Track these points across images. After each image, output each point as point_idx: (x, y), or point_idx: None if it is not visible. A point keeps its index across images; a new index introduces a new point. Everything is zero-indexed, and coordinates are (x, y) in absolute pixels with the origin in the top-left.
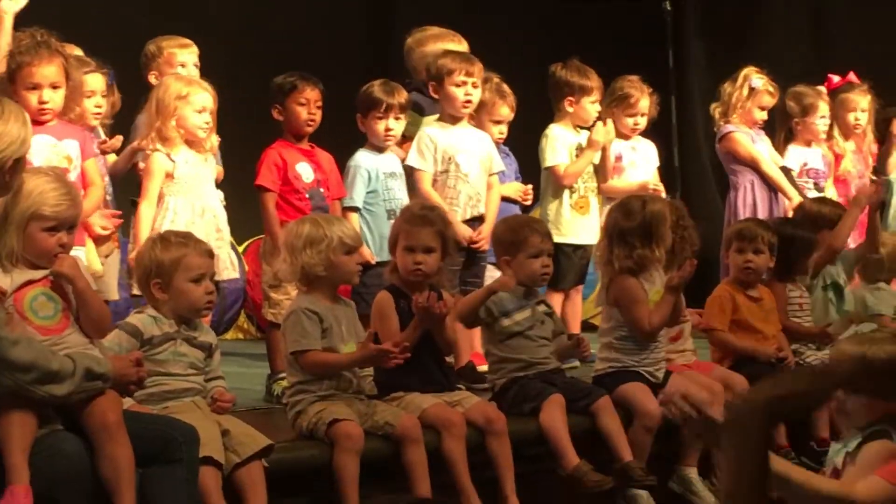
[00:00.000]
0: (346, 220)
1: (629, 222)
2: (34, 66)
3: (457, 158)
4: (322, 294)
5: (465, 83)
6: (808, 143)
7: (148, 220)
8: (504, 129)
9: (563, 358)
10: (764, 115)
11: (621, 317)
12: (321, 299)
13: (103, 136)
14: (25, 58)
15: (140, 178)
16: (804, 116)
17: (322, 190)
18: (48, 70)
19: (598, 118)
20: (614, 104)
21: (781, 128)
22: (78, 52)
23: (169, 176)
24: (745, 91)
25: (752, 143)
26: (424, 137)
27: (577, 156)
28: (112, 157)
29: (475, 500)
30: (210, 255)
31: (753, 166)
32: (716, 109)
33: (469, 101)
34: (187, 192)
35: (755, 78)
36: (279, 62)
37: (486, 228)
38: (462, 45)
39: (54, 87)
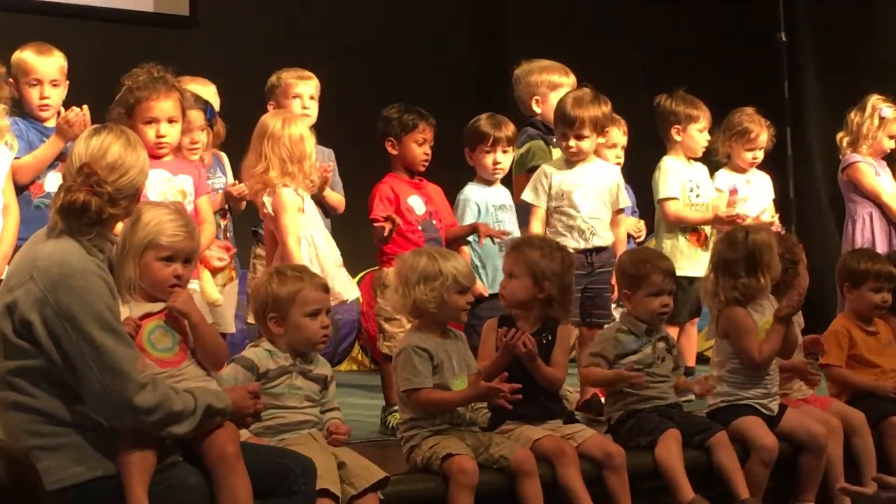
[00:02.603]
0: (461, 257)
1: (733, 253)
2: (152, 101)
3: (572, 194)
4: (432, 329)
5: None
6: None
7: (300, 256)
8: (620, 153)
9: (680, 393)
10: (892, 144)
11: (731, 348)
12: (431, 335)
13: (229, 171)
14: (143, 93)
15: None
16: None
17: (434, 222)
18: (165, 105)
19: (708, 147)
20: (733, 138)
21: None
22: (211, 87)
23: (300, 211)
24: (876, 121)
25: (876, 175)
26: (540, 174)
27: (689, 190)
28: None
29: None
30: (325, 289)
31: (874, 199)
32: (843, 138)
33: (571, 152)
34: (315, 225)
35: (885, 107)
36: (387, 95)
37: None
38: (569, 79)
39: (171, 121)
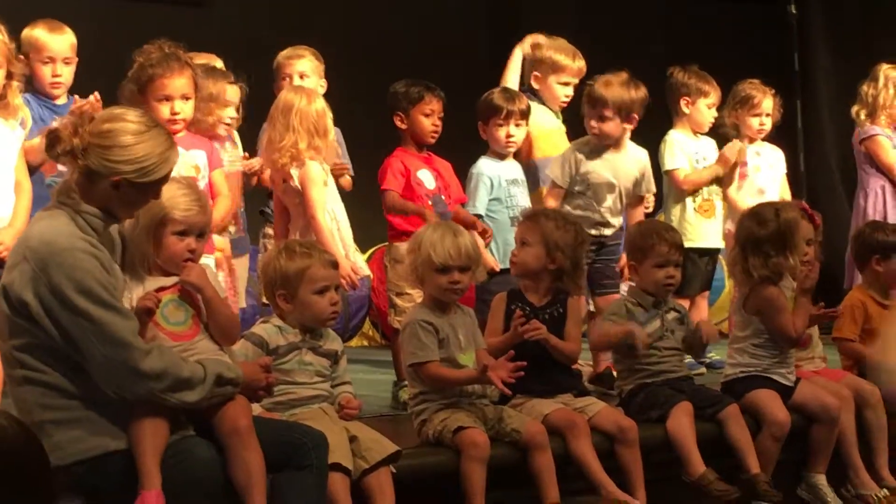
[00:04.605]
0: (461, 238)
1: (763, 230)
2: (165, 79)
3: (598, 188)
4: (437, 304)
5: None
6: None
7: (329, 229)
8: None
9: (698, 349)
10: None
11: (764, 326)
12: (437, 310)
13: (239, 144)
14: (157, 70)
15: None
16: None
17: (444, 197)
18: (178, 82)
19: (716, 124)
20: (738, 106)
21: None
22: (218, 63)
23: (324, 184)
24: (892, 90)
25: (894, 148)
26: (571, 156)
27: (696, 162)
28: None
29: (616, 490)
30: (334, 265)
31: (889, 174)
32: (859, 111)
33: (593, 132)
34: (334, 200)
35: None
36: (398, 70)
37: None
38: (575, 64)
39: (185, 98)
